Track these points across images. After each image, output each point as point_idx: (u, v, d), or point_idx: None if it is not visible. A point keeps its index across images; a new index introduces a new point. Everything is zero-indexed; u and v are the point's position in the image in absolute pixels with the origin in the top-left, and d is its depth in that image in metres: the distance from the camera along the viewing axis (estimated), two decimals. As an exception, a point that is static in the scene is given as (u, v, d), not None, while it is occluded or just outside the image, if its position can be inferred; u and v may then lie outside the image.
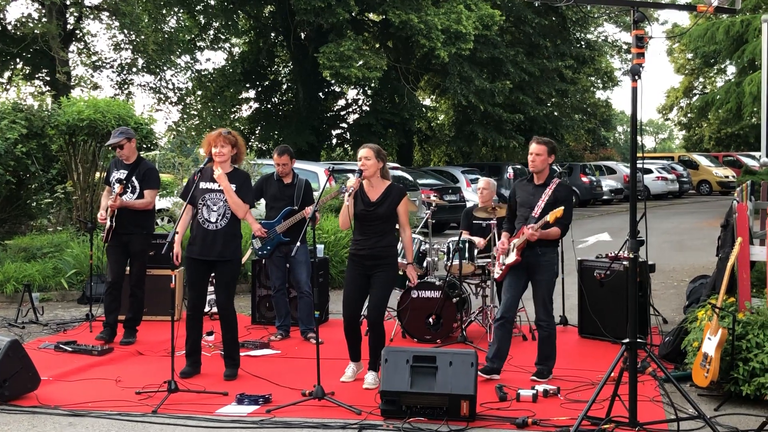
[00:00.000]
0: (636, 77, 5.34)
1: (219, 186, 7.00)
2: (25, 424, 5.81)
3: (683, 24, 43.21)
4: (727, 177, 38.18)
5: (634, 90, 5.38)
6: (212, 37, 31.60)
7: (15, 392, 6.29)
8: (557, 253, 7.08)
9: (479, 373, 6.63)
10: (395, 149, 35.24)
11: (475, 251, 8.65)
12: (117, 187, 8.23)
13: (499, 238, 8.27)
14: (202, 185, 7.05)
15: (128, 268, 8.65)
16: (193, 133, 30.00)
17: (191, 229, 7.18)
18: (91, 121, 12.64)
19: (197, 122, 30.59)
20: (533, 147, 6.99)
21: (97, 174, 13.21)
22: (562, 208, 6.71)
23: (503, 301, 7.09)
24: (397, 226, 6.89)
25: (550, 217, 6.68)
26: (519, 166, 28.31)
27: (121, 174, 8.38)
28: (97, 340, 8.33)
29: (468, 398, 5.76)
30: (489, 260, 8.60)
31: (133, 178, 8.38)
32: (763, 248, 6.88)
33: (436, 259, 8.97)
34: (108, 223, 8.27)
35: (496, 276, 7.31)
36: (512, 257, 6.95)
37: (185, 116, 30.95)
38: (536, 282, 6.97)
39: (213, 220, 7.01)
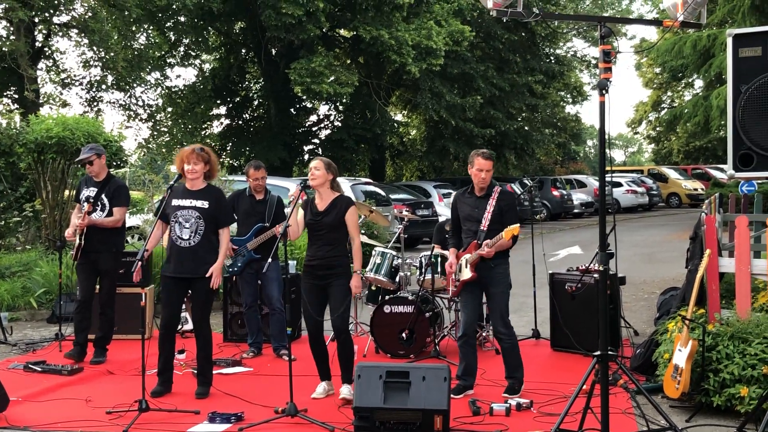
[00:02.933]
0: (603, 91, 5.38)
1: (191, 203, 6.97)
2: (-7, 446, 5.74)
3: (651, 39, 43.72)
4: (696, 190, 38.57)
5: (602, 104, 5.42)
6: (182, 53, 31.51)
7: (-17, 414, 6.21)
8: (508, 264, 7.08)
9: (451, 395, 6.63)
10: (367, 164, 35.26)
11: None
12: (86, 206, 8.16)
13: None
14: (174, 202, 7.00)
15: (98, 287, 8.56)
16: (163, 150, 29.89)
17: (167, 247, 7.13)
18: (59, 139, 12.55)
19: (168, 139, 30.46)
20: (483, 163, 6.94)
21: (66, 192, 13.10)
22: (517, 225, 6.72)
23: (463, 320, 7.09)
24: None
25: (505, 235, 6.68)
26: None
27: (91, 191, 8.32)
28: (66, 358, 8.24)
29: (441, 413, 5.75)
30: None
31: (103, 196, 8.33)
32: (732, 260, 6.94)
33: (408, 273, 8.97)
34: (77, 240, 8.20)
35: (450, 293, 7.30)
36: (467, 273, 6.93)
37: (155, 133, 30.81)
38: (491, 295, 6.96)
39: (186, 237, 6.96)
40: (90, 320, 8.48)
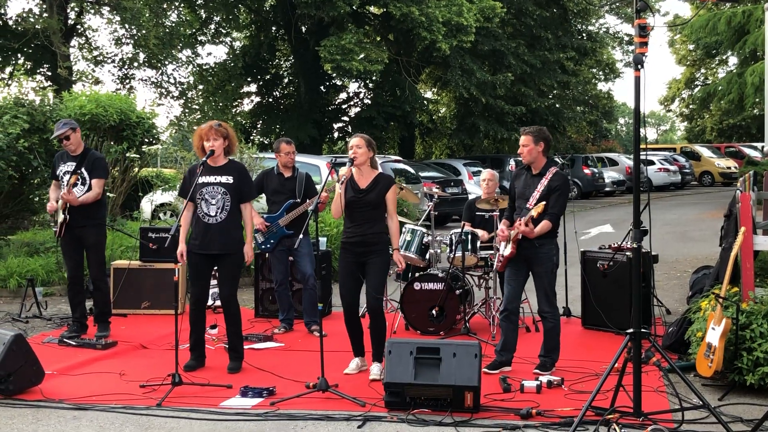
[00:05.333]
0: (639, 66, 5.32)
1: (216, 179, 6.99)
2: (30, 418, 5.82)
3: (685, 15, 43.17)
4: (729, 168, 38.11)
5: (637, 79, 5.36)
6: (213, 31, 31.60)
7: (19, 386, 6.30)
8: (555, 244, 7.04)
9: (486, 370, 6.63)
10: (397, 142, 35.21)
11: (478, 243, 8.64)
12: (71, 179, 8.09)
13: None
14: (200, 180, 7.02)
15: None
16: (194, 128, 30.00)
17: (193, 224, 7.17)
18: (93, 116, 12.63)
19: (199, 116, 30.60)
20: (521, 139, 6.99)
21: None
22: (543, 203, 6.68)
23: (505, 294, 7.09)
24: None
25: (534, 212, 6.66)
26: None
27: (69, 166, 8.25)
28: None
29: (472, 389, 5.76)
30: (492, 252, 8.60)
31: (82, 169, 8.25)
32: (767, 238, 6.86)
33: (438, 251, 8.96)
34: (61, 216, 8.17)
35: (497, 267, 7.29)
36: (508, 250, 6.94)
37: (187, 110, 30.97)
38: (536, 274, 6.94)
39: (212, 213, 6.99)
40: (83, 294, 8.58)
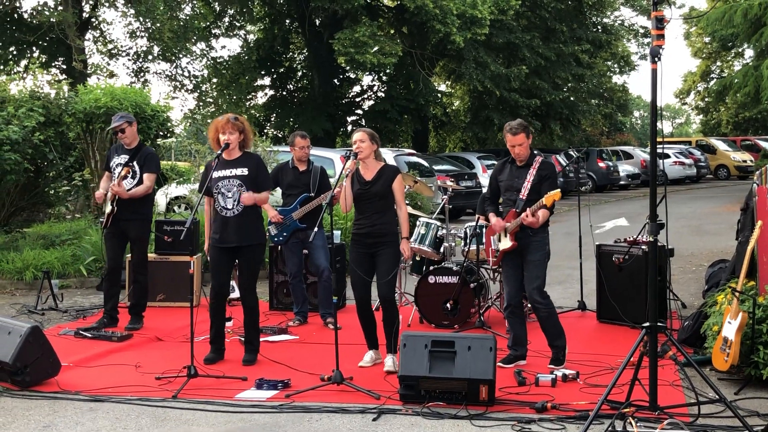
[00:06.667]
0: (656, 59, 5.29)
1: (231, 172, 7.01)
2: (46, 410, 5.86)
3: (700, 7, 42.93)
4: (745, 161, 37.86)
5: (654, 72, 5.33)
6: (227, 24, 31.65)
7: (36, 378, 6.34)
8: (548, 233, 7.01)
9: (501, 364, 6.62)
10: (411, 135, 35.21)
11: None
12: (122, 171, 8.18)
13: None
14: (215, 174, 7.04)
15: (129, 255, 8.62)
16: (209, 121, 30.10)
17: (213, 218, 7.20)
18: (108, 109, 12.66)
19: (213, 110, 30.70)
20: (511, 139, 6.87)
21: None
22: (558, 191, 6.67)
23: (507, 291, 7.08)
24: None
25: (546, 201, 6.63)
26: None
27: (122, 159, 8.35)
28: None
29: (487, 383, 5.75)
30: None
31: (134, 163, 8.34)
32: (784, 232, 6.81)
33: (453, 244, 8.95)
34: (109, 207, 8.25)
35: (491, 262, 7.26)
36: (507, 243, 6.90)
37: (201, 104, 31.07)
38: (528, 262, 6.89)
39: (229, 206, 7.02)
40: (119, 288, 8.61)
